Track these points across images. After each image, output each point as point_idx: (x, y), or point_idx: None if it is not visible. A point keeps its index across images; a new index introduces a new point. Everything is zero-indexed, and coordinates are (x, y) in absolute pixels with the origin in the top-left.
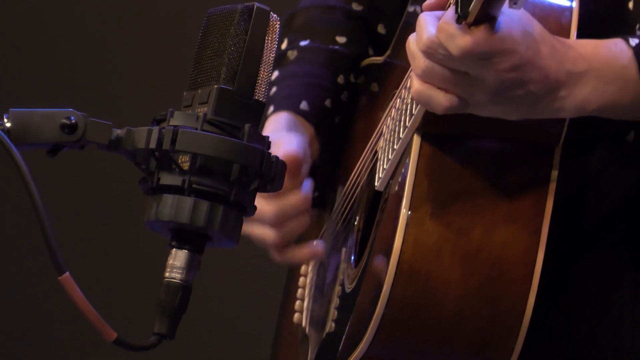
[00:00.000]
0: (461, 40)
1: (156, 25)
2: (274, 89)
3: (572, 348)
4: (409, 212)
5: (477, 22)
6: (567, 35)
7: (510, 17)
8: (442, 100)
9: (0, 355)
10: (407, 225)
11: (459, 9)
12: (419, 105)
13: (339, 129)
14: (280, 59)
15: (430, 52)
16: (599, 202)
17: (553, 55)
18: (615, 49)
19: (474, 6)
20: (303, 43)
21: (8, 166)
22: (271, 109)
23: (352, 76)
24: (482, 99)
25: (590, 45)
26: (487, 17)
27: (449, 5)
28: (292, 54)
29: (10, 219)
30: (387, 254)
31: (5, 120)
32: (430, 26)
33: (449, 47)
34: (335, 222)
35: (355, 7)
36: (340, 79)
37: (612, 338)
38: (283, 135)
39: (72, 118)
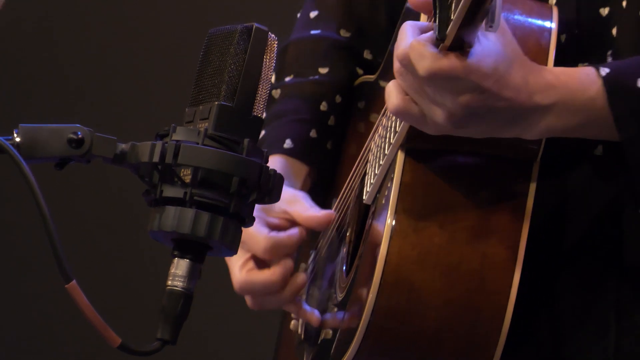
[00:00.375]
0: (428, 62)
1: (159, 44)
2: (263, 133)
3: (559, 354)
4: (394, 225)
5: (453, 47)
6: (546, 55)
7: (486, 48)
8: (409, 109)
9: (11, 358)
10: (391, 237)
11: (437, 32)
12: (403, 123)
13: (333, 152)
14: (269, 98)
15: (403, 63)
16: (579, 213)
17: (524, 87)
18: (587, 79)
19: (451, 30)
20: (287, 79)
21: (18, 179)
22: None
23: (338, 97)
24: (441, 120)
25: (562, 76)
26: (463, 43)
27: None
28: (276, 93)
29: (20, 230)
30: (373, 264)
31: (15, 135)
32: (409, 38)
33: (416, 66)
34: (330, 232)
35: (344, 33)
36: (324, 106)
37: (598, 344)
38: (288, 193)
39: (79, 133)
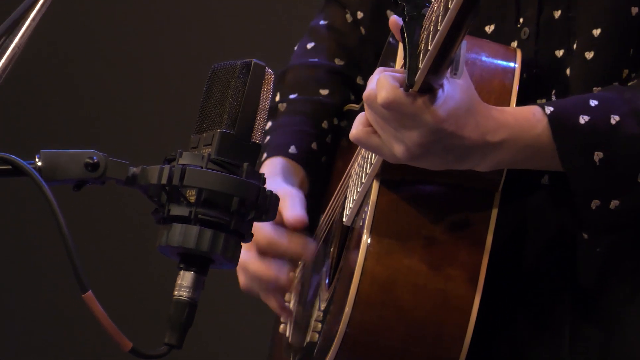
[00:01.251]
0: (385, 93)
1: (167, 78)
2: (267, 138)
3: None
4: (368, 247)
5: (421, 91)
6: (509, 94)
7: (448, 94)
8: (367, 139)
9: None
10: (365, 258)
11: (406, 79)
12: (378, 156)
13: (324, 167)
14: (273, 111)
15: (368, 98)
16: (534, 238)
17: (476, 128)
18: (533, 118)
19: (419, 77)
20: (292, 96)
21: (40, 199)
22: (264, 155)
23: (336, 119)
24: (399, 154)
25: (511, 116)
26: (430, 88)
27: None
28: (282, 107)
29: (40, 245)
30: (349, 282)
31: (37, 159)
32: (379, 79)
33: (377, 96)
34: (316, 246)
35: (338, 62)
36: (325, 124)
37: (554, 351)
38: (284, 187)
39: (95, 158)
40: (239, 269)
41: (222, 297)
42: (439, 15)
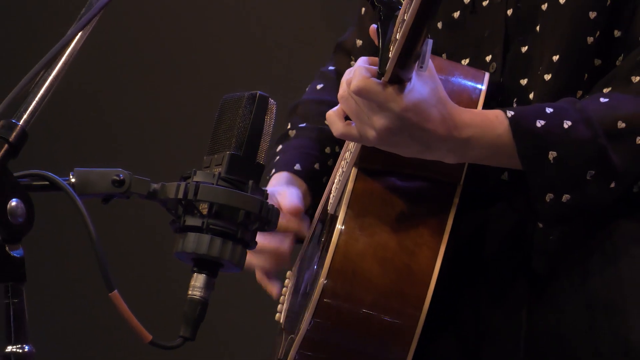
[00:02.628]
0: (357, 80)
1: (182, 107)
2: (277, 157)
3: (477, 330)
4: (342, 227)
5: (391, 82)
6: (476, 105)
7: (414, 87)
8: (339, 126)
9: (59, 355)
10: (340, 234)
11: (379, 69)
12: (355, 146)
13: (324, 186)
14: (284, 137)
15: (346, 82)
16: (495, 227)
17: (443, 122)
18: (496, 120)
19: (388, 68)
20: (301, 125)
21: (73, 210)
22: (273, 170)
23: (337, 147)
24: (371, 137)
25: (477, 117)
26: (400, 80)
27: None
28: (292, 133)
29: (73, 250)
30: (326, 255)
31: (71, 176)
32: (353, 69)
33: (352, 81)
34: (310, 238)
35: None
36: (327, 150)
37: (511, 325)
38: (285, 189)
39: (121, 175)
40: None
41: (231, 297)
42: (406, 9)
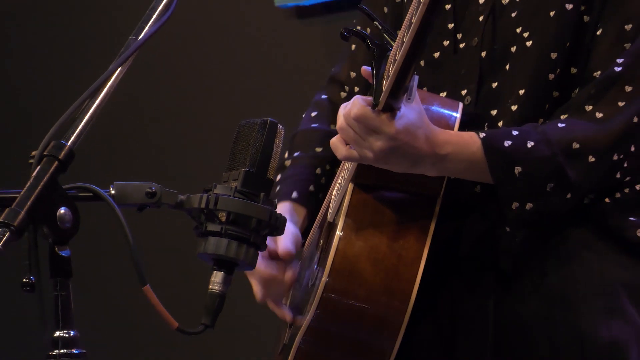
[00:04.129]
0: (356, 109)
1: (205, 131)
2: (278, 187)
3: (454, 322)
4: (341, 233)
5: (384, 110)
6: (452, 129)
7: (403, 114)
8: (344, 151)
9: (99, 338)
10: (339, 240)
11: (373, 100)
12: (352, 165)
13: (322, 200)
14: (282, 167)
15: (345, 115)
16: (468, 231)
17: (427, 141)
18: (470, 140)
19: (382, 99)
20: (295, 154)
21: (111, 217)
22: (276, 201)
23: (328, 166)
24: (369, 157)
25: (454, 137)
26: (391, 108)
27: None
28: (288, 163)
29: (111, 250)
30: (327, 257)
31: (111, 189)
32: (351, 102)
33: (351, 111)
34: (311, 241)
35: (332, 127)
36: (318, 170)
37: (480, 314)
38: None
39: (153, 188)
40: (255, 284)
41: (241, 292)
42: (397, 52)
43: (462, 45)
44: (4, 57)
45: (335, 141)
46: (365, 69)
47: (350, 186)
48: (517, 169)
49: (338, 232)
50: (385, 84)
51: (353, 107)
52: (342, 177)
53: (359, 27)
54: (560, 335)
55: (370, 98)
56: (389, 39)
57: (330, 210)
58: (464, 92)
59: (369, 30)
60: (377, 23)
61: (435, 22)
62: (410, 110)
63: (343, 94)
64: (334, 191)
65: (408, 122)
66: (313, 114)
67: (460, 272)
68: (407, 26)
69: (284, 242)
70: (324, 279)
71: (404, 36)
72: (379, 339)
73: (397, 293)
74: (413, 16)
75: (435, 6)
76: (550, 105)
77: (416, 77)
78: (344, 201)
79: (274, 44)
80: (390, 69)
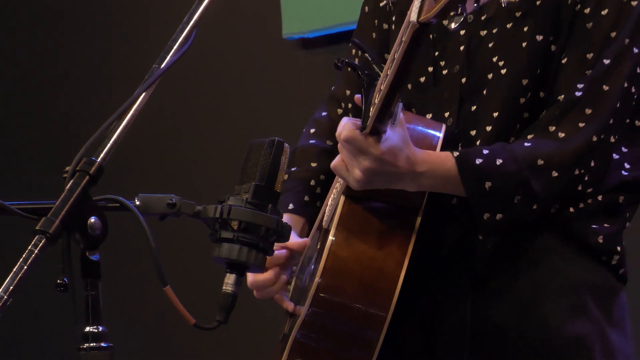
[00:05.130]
0: (346, 132)
1: (218, 148)
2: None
3: (435, 322)
4: (333, 238)
5: (371, 133)
6: (435, 148)
7: (388, 137)
8: (337, 164)
9: (124, 333)
10: (331, 244)
11: (362, 124)
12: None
13: (319, 207)
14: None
15: (337, 135)
16: (447, 239)
17: (408, 161)
18: (446, 158)
19: (369, 123)
20: (293, 169)
21: (136, 225)
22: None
23: (322, 176)
24: (357, 175)
25: (431, 156)
26: (378, 132)
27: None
28: (286, 177)
29: (135, 255)
30: (320, 259)
31: (136, 200)
32: (343, 123)
33: (341, 133)
34: (311, 246)
35: (328, 142)
36: (312, 182)
37: (459, 314)
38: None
39: (173, 199)
40: (252, 287)
41: (249, 291)
42: (382, 82)
43: (444, 72)
44: (44, 86)
45: (335, 163)
46: (357, 97)
47: (342, 198)
48: (487, 184)
49: (330, 238)
50: (372, 111)
51: (343, 129)
52: (336, 188)
53: (355, 51)
54: (531, 332)
55: (359, 122)
56: (377, 69)
57: (325, 218)
58: (446, 114)
59: (357, 60)
60: (367, 55)
61: (416, 57)
62: (394, 134)
63: (340, 111)
64: (329, 200)
65: (392, 144)
66: (312, 131)
67: (440, 275)
68: (391, 60)
69: (292, 236)
70: (317, 279)
71: (388, 69)
72: (366, 332)
73: (382, 292)
74: (396, 52)
75: (414, 47)
76: (521, 125)
77: (400, 104)
78: (336, 210)
79: (282, 71)
80: (377, 97)
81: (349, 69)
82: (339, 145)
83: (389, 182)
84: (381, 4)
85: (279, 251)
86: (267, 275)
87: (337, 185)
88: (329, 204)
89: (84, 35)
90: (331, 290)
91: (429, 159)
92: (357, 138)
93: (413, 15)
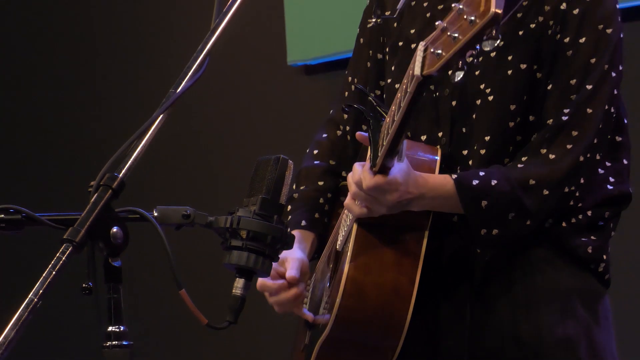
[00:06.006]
0: (367, 182)
1: (228, 165)
2: (289, 217)
3: (438, 323)
4: (350, 260)
5: (380, 171)
6: (433, 171)
7: (396, 171)
8: (357, 210)
9: (141, 330)
10: (348, 269)
11: (371, 163)
12: None
13: (327, 223)
14: (292, 199)
15: (356, 184)
16: (448, 252)
17: (415, 186)
18: (444, 180)
19: (378, 162)
20: (302, 188)
21: (154, 234)
22: (288, 229)
23: (329, 194)
24: (379, 210)
25: (431, 179)
26: (385, 168)
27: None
28: (296, 195)
29: (152, 261)
30: (340, 282)
31: (154, 212)
32: (357, 171)
33: (363, 185)
34: (322, 264)
35: (332, 162)
36: (321, 200)
37: (459, 317)
38: (291, 255)
39: (188, 211)
40: (272, 302)
41: (262, 296)
42: (389, 126)
43: (436, 94)
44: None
45: (348, 203)
46: (360, 134)
47: (355, 225)
48: (484, 202)
49: (348, 261)
50: (381, 150)
51: (363, 180)
52: (344, 213)
53: (351, 79)
54: (525, 333)
55: (367, 164)
56: (381, 112)
57: (339, 241)
58: (440, 134)
59: (352, 87)
60: (370, 98)
61: (419, 103)
62: (401, 168)
63: (339, 132)
64: (342, 221)
65: (400, 175)
66: (315, 152)
67: (443, 283)
68: (397, 106)
69: (291, 269)
70: (338, 300)
71: (395, 115)
72: (384, 342)
73: (398, 308)
74: (402, 100)
75: (418, 96)
76: (513, 147)
77: (405, 142)
78: (351, 235)
79: (287, 94)
80: (385, 138)
81: (346, 92)
82: (356, 191)
83: (401, 207)
84: (375, 37)
85: (277, 281)
86: (275, 283)
87: (346, 211)
88: (340, 226)
89: (111, 63)
90: (352, 309)
91: (432, 182)
92: (379, 183)
93: (417, 69)
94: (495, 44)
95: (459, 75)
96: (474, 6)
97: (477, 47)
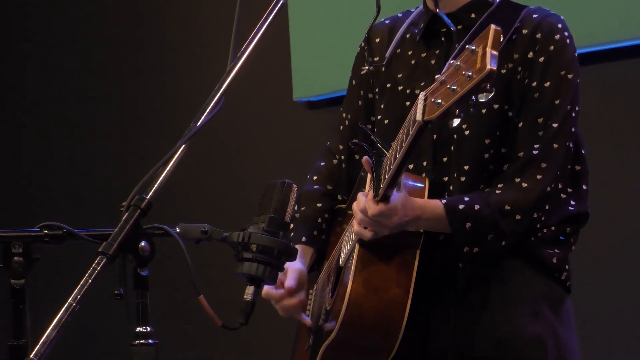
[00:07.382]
0: (372, 210)
1: (241, 189)
2: (292, 234)
3: (426, 326)
4: (354, 277)
5: (382, 199)
6: (422, 195)
7: (396, 199)
8: (366, 234)
9: (164, 331)
10: (352, 283)
11: (374, 193)
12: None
13: (325, 240)
14: (294, 218)
15: (362, 212)
16: (436, 265)
17: (412, 210)
18: (435, 204)
19: (381, 192)
20: (302, 208)
21: (177, 247)
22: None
23: (326, 215)
24: (383, 232)
25: (425, 204)
26: (386, 197)
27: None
28: (297, 215)
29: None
30: (344, 296)
31: (177, 228)
32: (362, 201)
33: (368, 213)
34: (324, 275)
35: (329, 187)
36: (319, 220)
37: (444, 320)
38: (291, 267)
39: (206, 227)
40: (278, 308)
41: (267, 302)
42: (391, 162)
43: None
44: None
45: (358, 230)
46: (367, 160)
47: (357, 245)
48: (468, 224)
49: (351, 277)
50: (383, 182)
51: (368, 209)
52: (348, 231)
53: (345, 115)
54: (501, 333)
55: (370, 193)
56: (382, 149)
57: (342, 257)
58: (425, 163)
59: (347, 122)
60: (373, 137)
61: (418, 144)
62: (400, 196)
63: (335, 161)
64: (343, 241)
65: (399, 202)
66: (314, 178)
67: (430, 291)
68: (399, 144)
69: (289, 279)
70: (344, 309)
71: (397, 152)
72: (383, 344)
73: (394, 316)
74: (403, 140)
75: (418, 138)
76: (487, 175)
77: (404, 175)
78: (353, 254)
79: (292, 127)
80: (387, 172)
81: (341, 127)
82: (363, 218)
83: (401, 227)
84: (366, 79)
85: (279, 290)
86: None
87: (348, 231)
88: (342, 245)
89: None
90: (354, 317)
91: (425, 206)
92: (382, 210)
93: (418, 114)
94: (490, 96)
95: (456, 122)
96: (470, 63)
97: (473, 98)
